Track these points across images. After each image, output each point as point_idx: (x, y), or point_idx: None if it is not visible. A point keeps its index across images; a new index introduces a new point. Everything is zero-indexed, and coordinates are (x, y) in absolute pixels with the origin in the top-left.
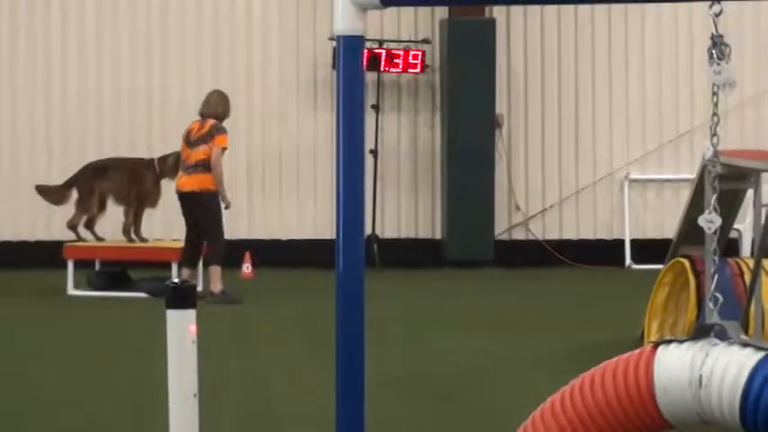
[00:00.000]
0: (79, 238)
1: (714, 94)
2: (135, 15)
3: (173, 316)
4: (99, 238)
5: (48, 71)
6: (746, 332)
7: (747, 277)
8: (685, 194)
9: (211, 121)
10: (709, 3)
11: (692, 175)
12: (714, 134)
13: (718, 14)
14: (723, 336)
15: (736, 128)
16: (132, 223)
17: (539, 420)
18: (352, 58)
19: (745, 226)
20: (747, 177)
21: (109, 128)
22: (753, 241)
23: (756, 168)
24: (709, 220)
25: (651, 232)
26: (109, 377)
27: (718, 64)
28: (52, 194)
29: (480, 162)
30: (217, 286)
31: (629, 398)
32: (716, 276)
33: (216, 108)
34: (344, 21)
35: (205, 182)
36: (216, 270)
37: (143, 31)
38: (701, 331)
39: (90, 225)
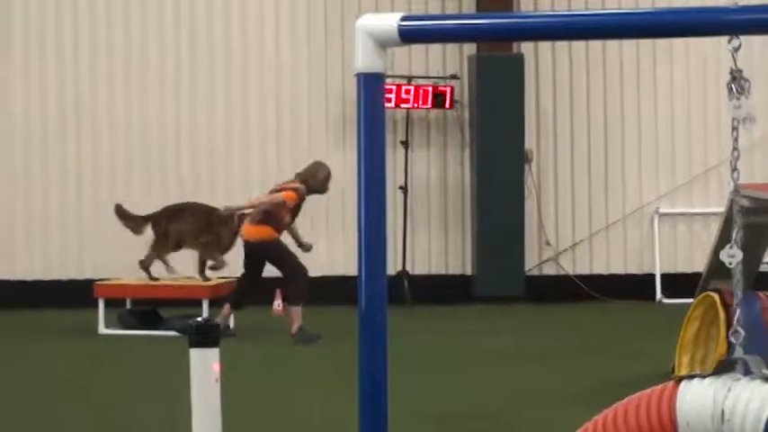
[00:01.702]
0: (151, 278)
1: (734, 128)
2: (163, 53)
3: (196, 355)
4: (172, 272)
5: (77, 106)
6: None
7: None
8: (715, 228)
9: (297, 182)
10: (728, 37)
11: (722, 208)
12: (735, 169)
13: (737, 49)
14: (746, 370)
15: (762, 161)
16: (200, 265)
17: None
18: (373, 95)
19: None
20: None
21: (138, 167)
22: None
23: None
24: (731, 255)
25: (681, 266)
26: (136, 416)
27: (738, 99)
28: (130, 221)
29: (510, 197)
30: (294, 326)
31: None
32: (737, 311)
33: (306, 174)
34: (364, 58)
35: (263, 232)
36: (296, 310)
37: (171, 68)
38: (724, 366)
39: (165, 262)
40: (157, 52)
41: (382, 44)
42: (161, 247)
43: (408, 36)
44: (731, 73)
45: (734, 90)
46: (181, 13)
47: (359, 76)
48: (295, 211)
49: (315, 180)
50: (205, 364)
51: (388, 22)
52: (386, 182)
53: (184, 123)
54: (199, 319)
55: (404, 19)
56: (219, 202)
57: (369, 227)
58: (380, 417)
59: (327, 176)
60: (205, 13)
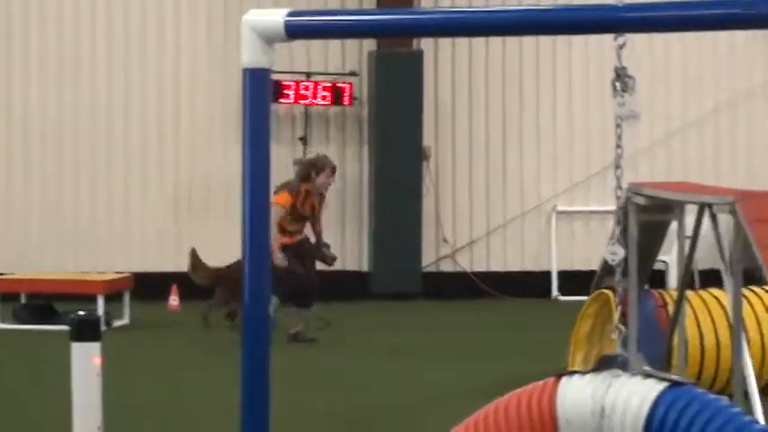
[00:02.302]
0: (207, 325)
1: (618, 126)
2: (61, 47)
3: (77, 349)
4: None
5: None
6: (670, 362)
7: (671, 308)
8: (611, 226)
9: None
10: (614, 35)
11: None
12: (618, 166)
13: (621, 47)
14: (626, 367)
15: (663, 160)
16: None
17: None
18: (259, 90)
19: (671, 258)
20: (671, 209)
21: (37, 159)
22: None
23: (679, 200)
24: (613, 252)
25: (578, 264)
26: (21, 409)
27: (622, 96)
28: (203, 272)
29: (408, 194)
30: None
31: (532, 428)
32: (619, 308)
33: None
34: (250, 53)
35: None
36: (291, 314)
37: (70, 64)
38: (604, 363)
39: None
40: (55, 43)
41: (268, 40)
42: (225, 302)
43: (295, 32)
44: (615, 71)
45: (618, 88)
46: (80, 10)
47: (245, 71)
48: (305, 210)
49: (300, 170)
50: (86, 358)
51: (275, 17)
52: (273, 176)
53: (83, 119)
54: (80, 312)
55: (290, 15)
56: (117, 196)
57: (253, 222)
58: (262, 408)
59: (299, 165)
60: (104, 7)
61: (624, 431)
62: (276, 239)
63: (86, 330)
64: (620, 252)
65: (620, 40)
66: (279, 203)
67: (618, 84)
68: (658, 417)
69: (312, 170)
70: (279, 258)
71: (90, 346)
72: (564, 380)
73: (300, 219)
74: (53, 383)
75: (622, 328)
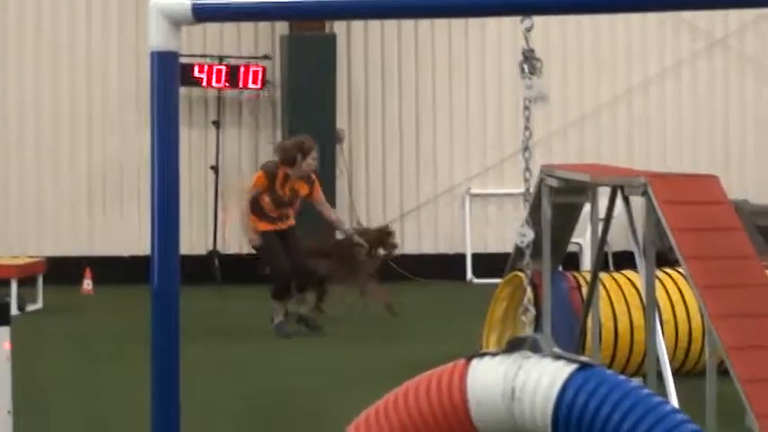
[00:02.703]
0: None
1: (526, 108)
2: None
3: None
4: None
5: None
6: (584, 345)
7: (585, 290)
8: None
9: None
10: (521, 18)
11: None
12: (526, 148)
13: (529, 29)
14: (537, 348)
15: (576, 142)
16: None
17: None
18: (166, 74)
19: (585, 240)
20: (584, 191)
21: None
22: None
23: (592, 182)
24: (522, 234)
25: (492, 246)
26: None
27: (530, 79)
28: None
29: (322, 177)
30: (275, 318)
31: (442, 410)
32: (529, 290)
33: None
34: (157, 36)
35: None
36: (274, 304)
37: None
38: (514, 344)
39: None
40: None
41: (175, 23)
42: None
43: (202, 15)
44: (523, 53)
45: (526, 70)
46: None
47: (152, 54)
48: (285, 194)
49: (284, 153)
50: None
51: (182, 0)
52: (185, 160)
53: None
54: None
55: None
56: (30, 181)
57: (162, 206)
58: (171, 391)
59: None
60: None
61: (534, 413)
62: (251, 220)
63: None
64: (529, 234)
65: (527, 22)
66: (253, 184)
67: (526, 66)
68: (568, 399)
69: (298, 153)
70: (254, 239)
71: None
72: (474, 361)
73: (281, 204)
74: None
75: (532, 309)
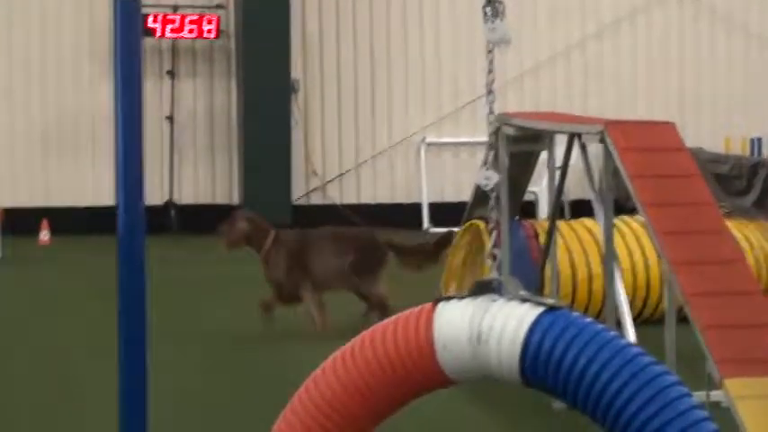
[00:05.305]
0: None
1: (489, 51)
2: None
3: None
4: None
5: None
6: (542, 294)
7: (543, 239)
8: (482, 157)
9: None
10: None
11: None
12: (490, 92)
13: None
14: (502, 291)
15: (531, 90)
16: None
17: (320, 378)
18: (130, 24)
19: (541, 188)
20: (541, 139)
21: None
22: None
23: (549, 130)
24: (487, 177)
25: (449, 195)
26: None
27: (493, 22)
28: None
29: (277, 127)
30: None
31: (409, 355)
32: (494, 233)
33: None
34: None
35: None
36: None
37: None
38: (480, 287)
39: None
40: None
41: None
42: None
43: None
44: None
45: (488, 13)
46: None
47: (116, 3)
48: None
49: None
50: None
51: None
52: (142, 111)
53: None
54: None
55: None
56: None
57: (127, 156)
58: (139, 339)
59: None
60: None
61: (501, 356)
62: None
63: None
64: (494, 177)
65: None
66: None
67: (488, 9)
68: (535, 341)
69: None
70: None
71: None
72: (441, 305)
73: None
74: None
75: (497, 252)
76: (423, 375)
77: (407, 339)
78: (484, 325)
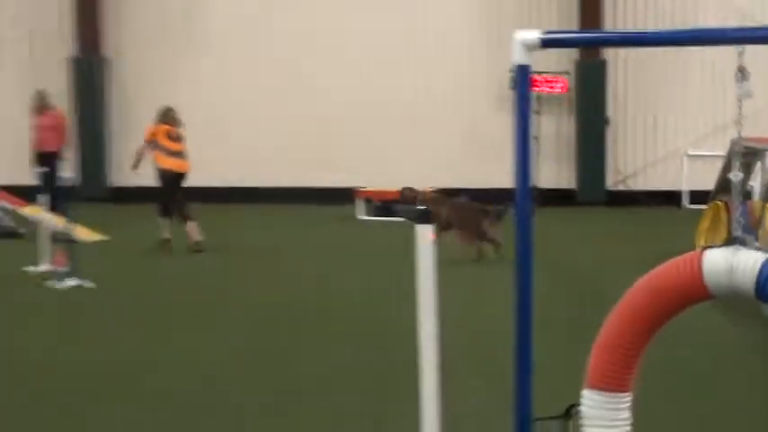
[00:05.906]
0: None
1: (739, 100)
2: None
3: None
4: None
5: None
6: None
7: (757, 214)
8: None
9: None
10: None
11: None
12: (739, 122)
13: (740, 53)
14: (744, 244)
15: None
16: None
17: (619, 305)
18: (524, 81)
19: (756, 184)
20: (758, 154)
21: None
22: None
23: (759, 149)
24: (736, 175)
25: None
26: None
27: (741, 81)
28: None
29: (594, 141)
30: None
31: (683, 284)
32: (740, 207)
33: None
34: (518, 57)
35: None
36: (191, 225)
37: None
38: (731, 241)
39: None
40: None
41: (529, 48)
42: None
43: (546, 43)
44: (738, 68)
45: (738, 78)
46: None
47: (516, 68)
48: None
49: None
50: None
51: (533, 35)
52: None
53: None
54: None
55: None
56: None
57: (521, 160)
58: None
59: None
60: None
61: (745, 281)
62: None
63: None
64: (740, 175)
65: (740, 48)
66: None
67: (738, 75)
68: (765, 273)
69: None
70: None
71: None
72: (707, 251)
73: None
74: None
75: (742, 219)
76: (693, 292)
77: (683, 272)
78: (734, 261)
